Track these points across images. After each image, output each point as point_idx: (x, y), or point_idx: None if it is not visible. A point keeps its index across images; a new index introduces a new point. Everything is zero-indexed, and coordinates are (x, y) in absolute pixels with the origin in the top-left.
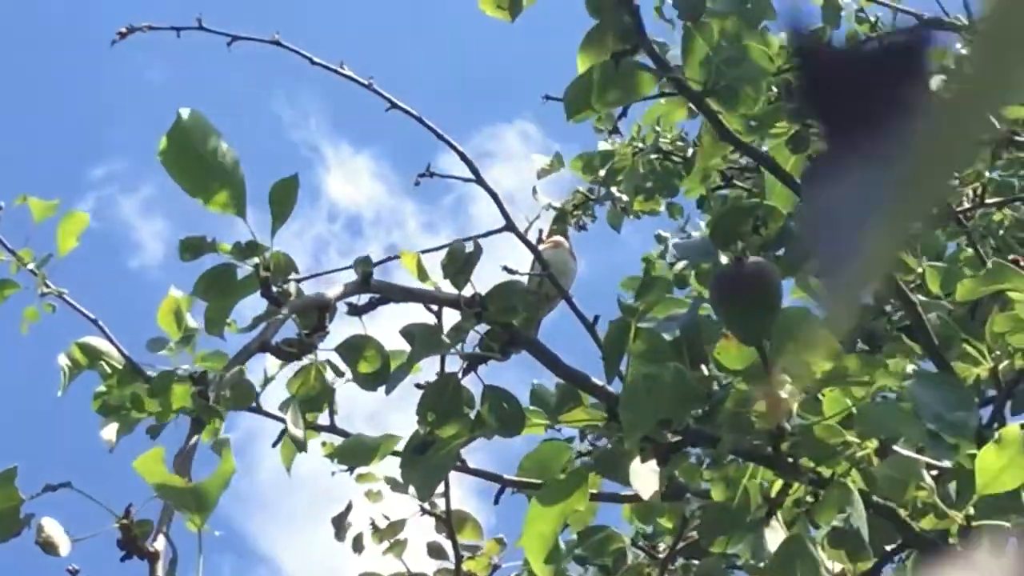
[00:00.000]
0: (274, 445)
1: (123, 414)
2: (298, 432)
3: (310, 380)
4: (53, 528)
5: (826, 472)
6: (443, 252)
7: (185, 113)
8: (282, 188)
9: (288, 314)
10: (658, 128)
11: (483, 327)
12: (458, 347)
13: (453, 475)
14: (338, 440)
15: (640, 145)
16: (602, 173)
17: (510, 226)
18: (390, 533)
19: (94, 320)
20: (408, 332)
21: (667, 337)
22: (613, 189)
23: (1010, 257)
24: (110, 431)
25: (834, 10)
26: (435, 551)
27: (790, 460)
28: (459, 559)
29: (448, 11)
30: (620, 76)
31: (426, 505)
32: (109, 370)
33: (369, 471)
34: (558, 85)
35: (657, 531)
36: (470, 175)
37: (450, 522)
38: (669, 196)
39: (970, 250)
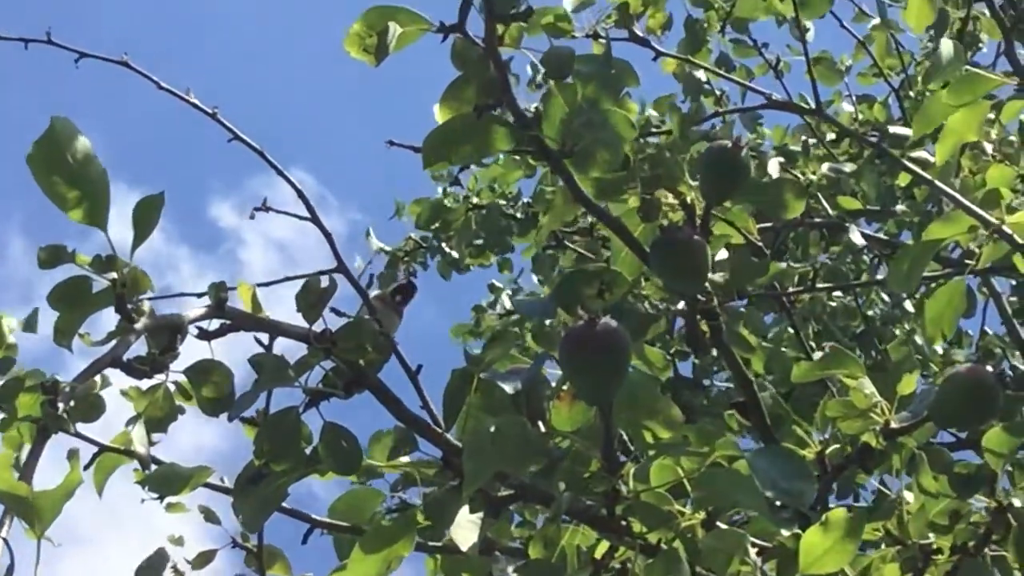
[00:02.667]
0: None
1: None
2: (143, 450)
3: (158, 400)
4: None
5: (653, 539)
6: (283, 285)
7: (57, 121)
8: (145, 205)
9: (142, 331)
10: (495, 186)
11: (329, 363)
12: (302, 381)
13: None
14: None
15: (475, 201)
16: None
17: (342, 268)
18: (200, 562)
19: None
20: (257, 362)
21: (508, 390)
22: (444, 245)
23: None
24: None
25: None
26: None
27: (623, 524)
28: None
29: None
30: (479, 129)
31: (238, 538)
32: None
33: (179, 501)
34: (335, 135)
35: None
36: (305, 212)
37: (261, 557)
38: (500, 253)
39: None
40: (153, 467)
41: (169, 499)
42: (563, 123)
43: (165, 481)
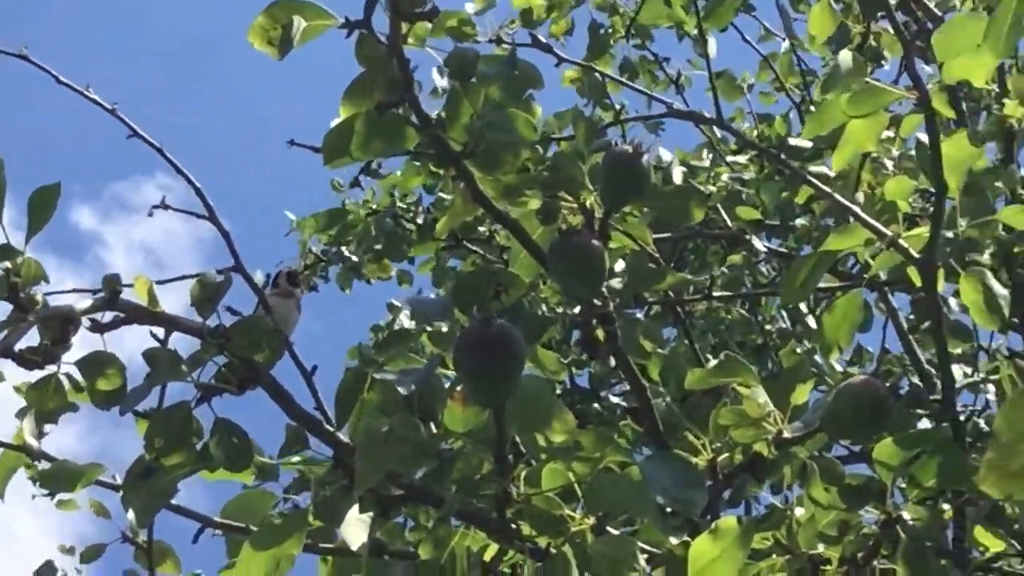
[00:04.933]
0: None
1: None
2: (34, 442)
3: (49, 392)
4: None
5: (542, 543)
6: (181, 283)
7: None
8: (41, 196)
9: (34, 322)
10: (394, 192)
11: (223, 359)
12: (195, 376)
13: None
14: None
15: (374, 207)
16: (333, 232)
17: (239, 267)
18: (89, 556)
19: None
20: (150, 356)
21: (402, 391)
22: (344, 249)
23: None
24: None
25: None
26: None
27: (513, 527)
28: None
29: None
30: (383, 128)
31: (128, 533)
32: None
33: (71, 498)
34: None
35: None
36: (203, 211)
37: (150, 553)
38: (398, 260)
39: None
40: (45, 464)
41: (60, 496)
42: (466, 124)
43: (57, 478)
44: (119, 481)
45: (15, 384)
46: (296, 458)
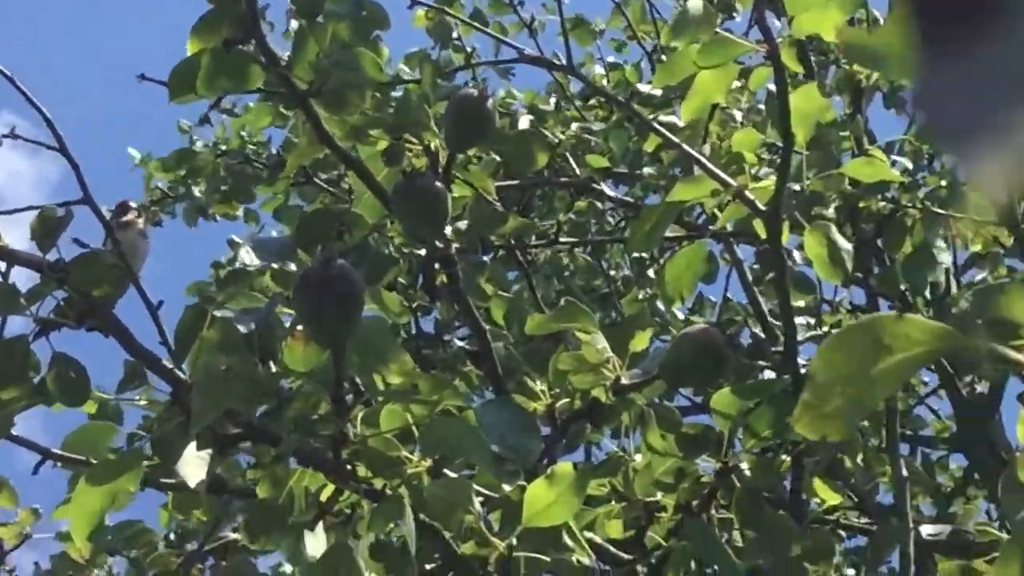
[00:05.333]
0: None
1: None
2: None
3: None
4: None
5: (378, 485)
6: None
7: None
8: None
9: None
10: (243, 133)
11: (62, 294)
12: (33, 310)
13: None
14: None
15: (223, 148)
16: (182, 172)
17: (87, 199)
18: None
19: None
20: None
21: (242, 329)
22: (194, 189)
23: None
24: None
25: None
26: None
27: (348, 467)
28: None
29: None
30: (229, 65)
31: None
32: None
33: None
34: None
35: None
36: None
37: None
38: (247, 201)
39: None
40: None
41: None
42: (312, 63)
43: None
44: None
45: None
46: (137, 395)
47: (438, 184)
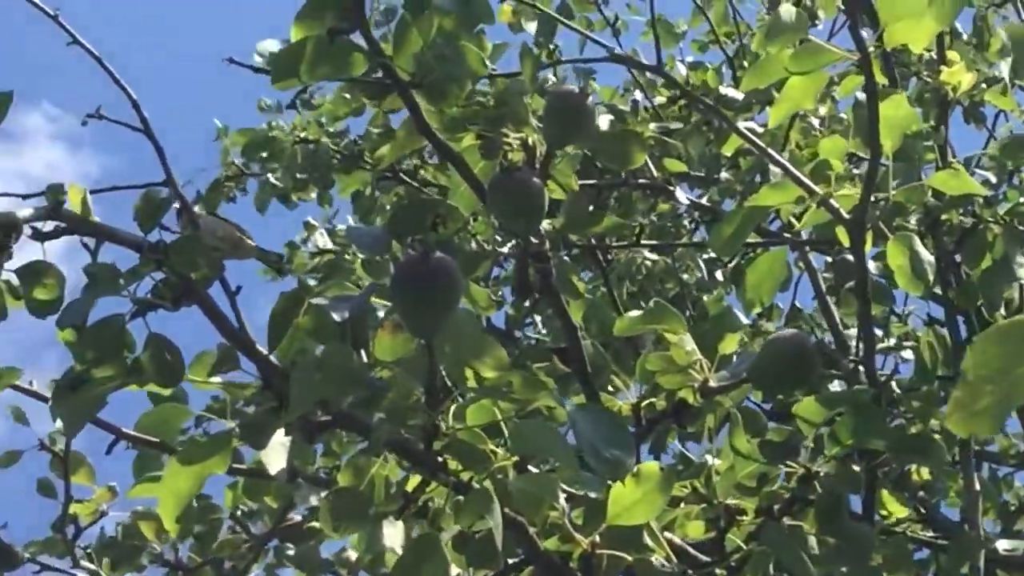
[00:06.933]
0: None
1: None
2: None
3: None
4: None
5: (465, 477)
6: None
7: None
8: None
9: None
10: (323, 121)
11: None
12: (131, 290)
13: None
14: None
15: (302, 135)
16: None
17: (170, 182)
18: (5, 462)
19: None
20: (90, 271)
21: (336, 317)
22: (269, 176)
23: None
24: None
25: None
26: (44, 488)
27: (439, 459)
28: (68, 500)
29: None
30: (333, 52)
31: (45, 440)
32: None
33: None
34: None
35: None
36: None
37: (67, 463)
38: (324, 189)
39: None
40: None
41: None
42: (416, 54)
43: None
44: (36, 388)
45: None
46: (216, 379)
47: (536, 180)
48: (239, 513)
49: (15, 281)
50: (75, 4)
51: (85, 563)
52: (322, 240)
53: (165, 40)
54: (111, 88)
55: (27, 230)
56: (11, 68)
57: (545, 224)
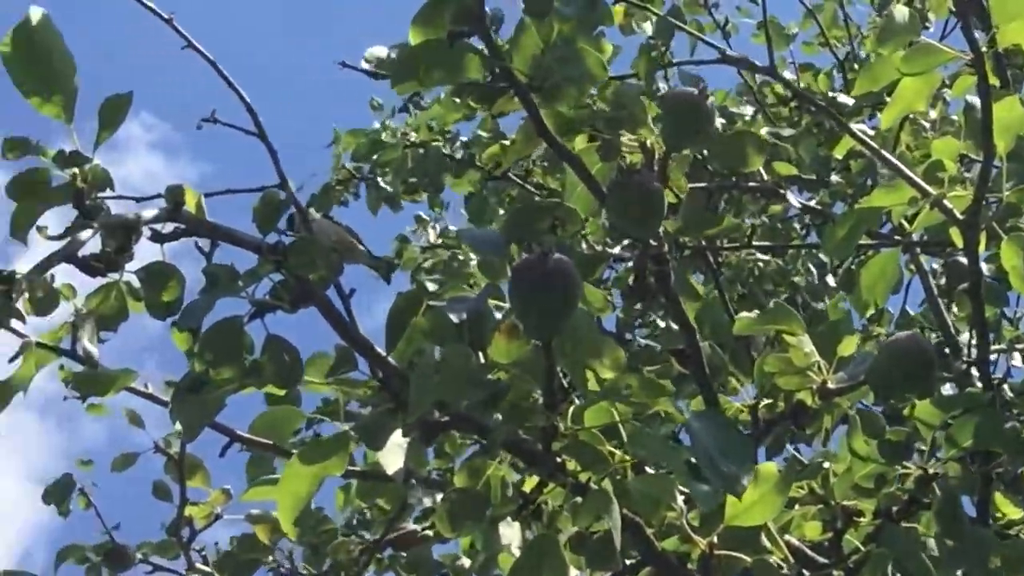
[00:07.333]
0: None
1: None
2: (93, 349)
3: (110, 299)
4: None
5: (583, 478)
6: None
7: (35, 13)
8: (113, 104)
9: (99, 228)
10: (432, 124)
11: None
12: (249, 291)
13: None
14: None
15: (412, 138)
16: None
17: (284, 187)
18: (120, 465)
19: None
20: (211, 273)
21: (453, 318)
22: (379, 180)
23: None
24: None
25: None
26: (160, 491)
27: (557, 460)
28: (183, 502)
29: None
30: (451, 55)
31: (161, 443)
32: None
33: (101, 403)
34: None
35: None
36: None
37: (182, 465)
38: (435, 192)
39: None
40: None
41: (91, 400)
42: (535, 57)
43: (90, 382)
44: (151, 391)
45: (62, 290)
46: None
47: (655, 182)
48: (353, 522)
49: (135, 283)
50: (188, 8)
51: (200, 566)
52: (433, 234)
53: (267, 44)
54: (208, 96)
55: (146, 232)
56: (108, 79)
57: (667, 224)
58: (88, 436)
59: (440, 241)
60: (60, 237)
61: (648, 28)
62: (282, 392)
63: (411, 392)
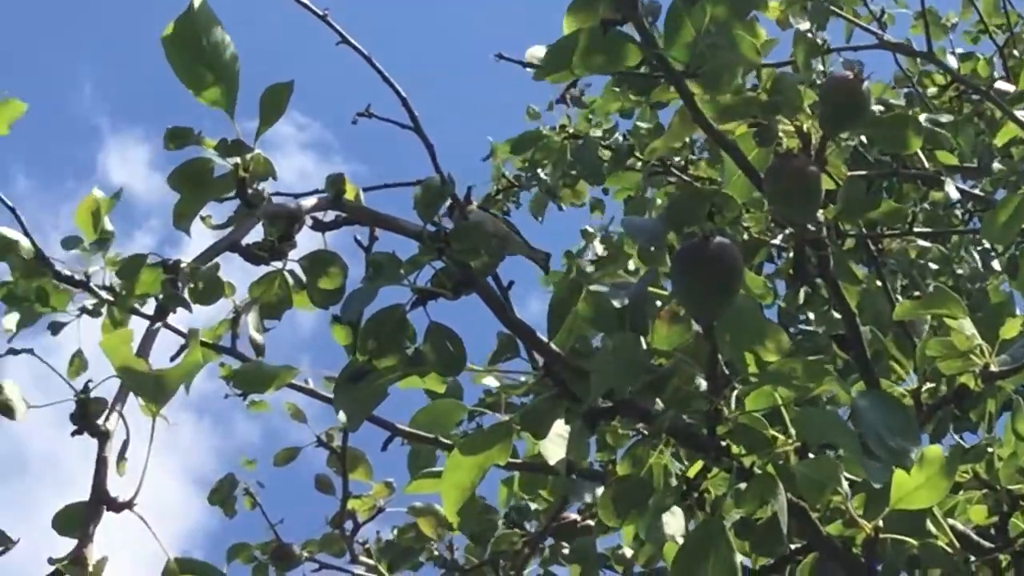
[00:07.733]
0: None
1: (26, 306)
2: (259, 337)
3: (273, 288)
4: (12, 391)
5: (747, 463)
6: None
7: (196, 3)
8: (274, 92)
9: (262, 217)
10: (591, 117)
11: (439, 264)
12: (411, 279)
13: None
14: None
15: (571, 131)
16: (530, 154)
17: (440, 176)
18: (283, 460)
19: (11, 208)
20: (375, 260)
21: (615, 303)
22: (539, 171)
23: None
24: (10, 321)
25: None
26: (323, 484)
27: (721, 445)
28: (346, 496)
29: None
30: (606, 44)
31: (323, 437)
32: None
33: (262, 399)
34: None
35: (527, 509)
36: (408, 122)
37: (344, 458)
38: (595, 183)
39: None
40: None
41: (252, 397)
42: (689, 44)
43: (251, 378)
44: (311, 386)
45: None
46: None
47: (812, 167)
48: (514, 514)
49: (298, 272)
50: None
51: (363, 558)
52: (601, 248)
53: (420, 40)
54: (362, 96)
55: (308, 220)
56: (259, 77)
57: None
58: (241, 435)
59: (606, 252)
60: (224, 226)
61: (804, 24)
62: (442, 388)
63: (592, 379)
